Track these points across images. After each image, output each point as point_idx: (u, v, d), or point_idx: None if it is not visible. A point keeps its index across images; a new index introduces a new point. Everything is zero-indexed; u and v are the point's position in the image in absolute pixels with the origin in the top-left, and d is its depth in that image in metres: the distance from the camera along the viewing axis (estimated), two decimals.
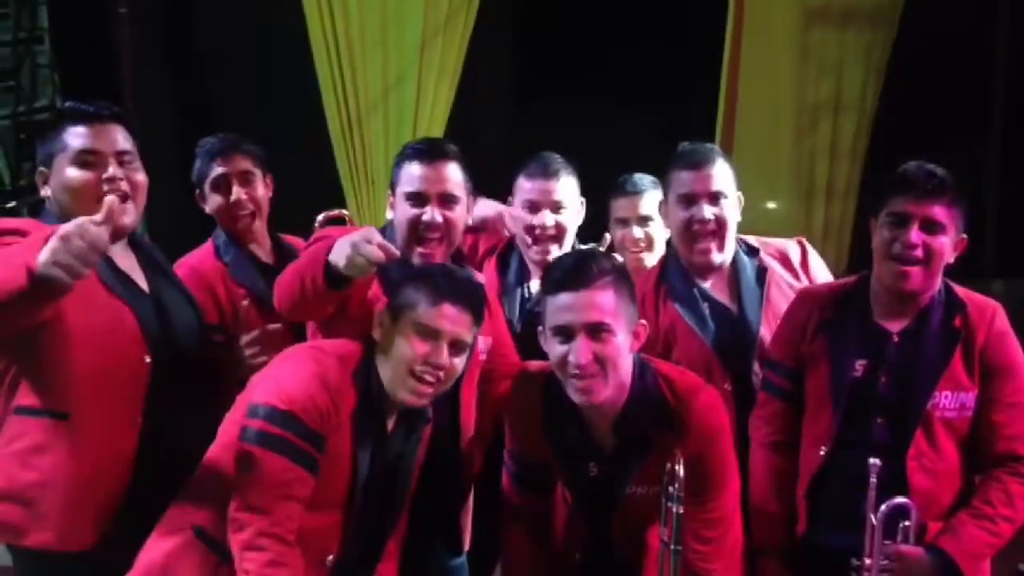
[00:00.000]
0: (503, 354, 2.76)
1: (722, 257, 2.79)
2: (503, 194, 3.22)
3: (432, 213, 2.57)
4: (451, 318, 2.18)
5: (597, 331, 2.20)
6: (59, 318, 2.23)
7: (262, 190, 3.13)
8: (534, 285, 3.07)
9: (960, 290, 2.45)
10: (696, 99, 4.77)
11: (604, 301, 2.21)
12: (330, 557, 2.23)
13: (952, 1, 4.79)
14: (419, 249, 2.58)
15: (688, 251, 2.79)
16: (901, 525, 2.29)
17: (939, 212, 2.32)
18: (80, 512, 2.28)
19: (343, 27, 4.73)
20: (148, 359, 2.34)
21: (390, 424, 2.28)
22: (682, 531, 2.21)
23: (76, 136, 2.34)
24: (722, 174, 2.77)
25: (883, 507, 2.26)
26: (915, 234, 2.32)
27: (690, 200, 2.75)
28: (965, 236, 2.41)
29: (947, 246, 2.35)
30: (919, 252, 2.32)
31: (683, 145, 2.88)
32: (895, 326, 2.43)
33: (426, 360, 2.17)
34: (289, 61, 4.92)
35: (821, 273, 2.85)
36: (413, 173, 2.60)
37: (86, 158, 2.33)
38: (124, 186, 2.35)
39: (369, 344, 2.26)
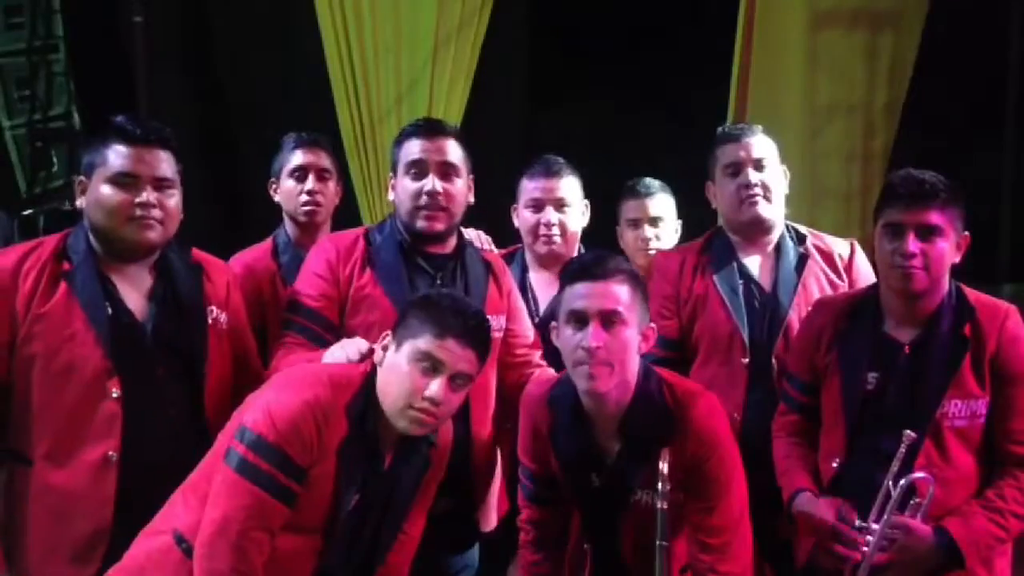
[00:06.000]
0: (516, 333, 2.82)
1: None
2: (513, 201, 3.24)
3: (433, 182, 2.65)
4: (455, 353, 2.16)
5: (610, 319, 2.24)
6: (30, 360, 2.28)
7: (333, 192, 3.24)
8: (535, 282, 3.13)
9: (972, 294, 2.45)
10: (707, 102, 4.77)
11: (619, 292, 2.26)
12: None
13: (966, 3, 4.77)
14: (422, 221, 2.65)
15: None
16: (912, 501, 2.31)
17: (933, 216, 2.34)
18: (53, 559, 2.26)
19: (356, 34, 4.76)
20: (116, 392, 2.30)
21: (387, 453, 2.25)
22: (666, 526, 2.23)
23: (118, 156, 2.35)
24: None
25: (903, 481, 2.28)
26: (912, 243, 2.33)
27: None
28: (967, 234, 2.42)
29: (946, 249, 2.36)
30: (918, 261, 2.33)
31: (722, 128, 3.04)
32: (906, 336, 2.44)
33: (425, 395, 2.14)
34: (303, 69, 4.95)
35: (863, 278, 2.88)
36: (413, 146, 2.69)
37: (123, 180, 2.35)
38: (156, 213, 2.37)
39: (372, 369, 2.25)
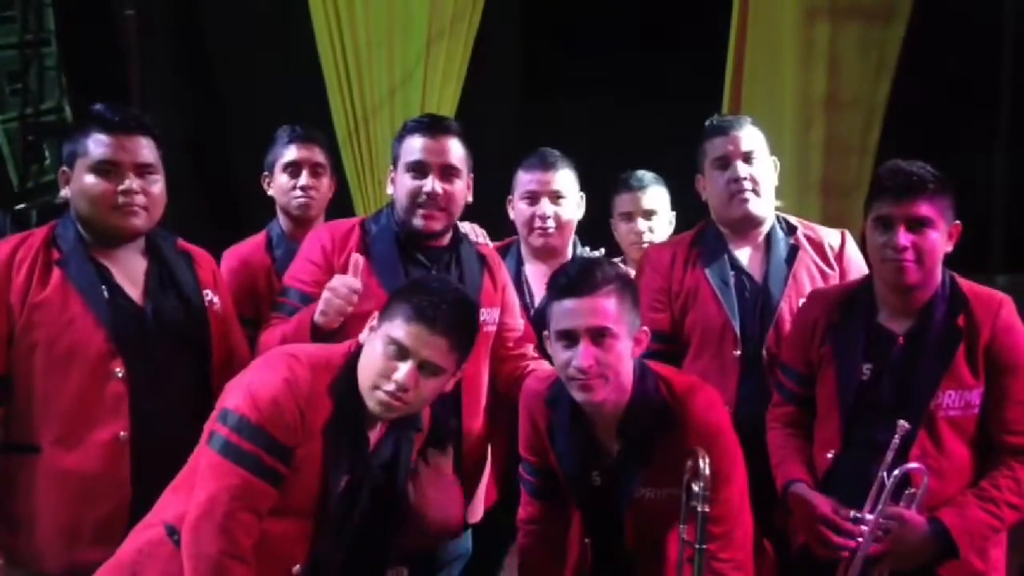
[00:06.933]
0: (511, 327, 2.84)
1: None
2: (508, 194, 3.24)
3: (433, 184, 2.64)
4: (422, 339, 2.15)
5: (600, 336, 2.23)
6: (32, 348, 2.30)
7: (327, 187, 3.23)
8: (530, 274, 3.13)
9: (966, 284, 2.46)
10: (702, 98, 4.76)
11: (607, 307, 2.24)
12: (296, 567, 2.20)
13: None
14: (419, 219, 2.65)
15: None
16: (907, 491, 2.31)
17: (922, 208, 2.33)
18: (76, 543, 2.29)
19: (349, 28, 4.75)
20: (120, 371, 2.33)
21: (374, 433, 2.26)
22: (705, 530, 2.19)
23: (99, 144, 2.37)
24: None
25: (896, 471, 2.27)
26: (903, 236, 2.33)
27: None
28: (958, 223, 2.42)
29: (938, 240, 2.36)
30: (909, 254, 2.33)
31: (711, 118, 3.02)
32: (900, 327, 2.44)
33: (391, 377, 2.14)
34: (296, 63, 4.93)
35: (854, 267, 2.87)
36: (415, 145, 2.67)
37: (105, 168, 2.36)
38: (140, 199, 2.38)
39: (356, 349, 2.25)
